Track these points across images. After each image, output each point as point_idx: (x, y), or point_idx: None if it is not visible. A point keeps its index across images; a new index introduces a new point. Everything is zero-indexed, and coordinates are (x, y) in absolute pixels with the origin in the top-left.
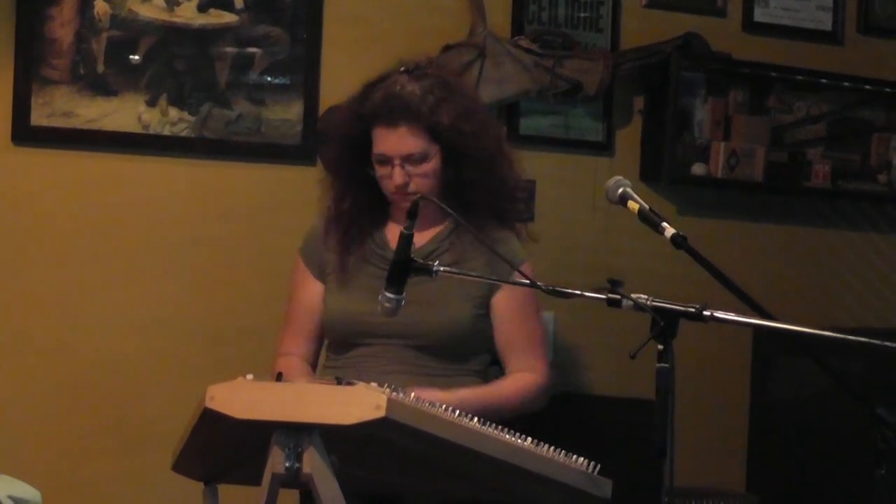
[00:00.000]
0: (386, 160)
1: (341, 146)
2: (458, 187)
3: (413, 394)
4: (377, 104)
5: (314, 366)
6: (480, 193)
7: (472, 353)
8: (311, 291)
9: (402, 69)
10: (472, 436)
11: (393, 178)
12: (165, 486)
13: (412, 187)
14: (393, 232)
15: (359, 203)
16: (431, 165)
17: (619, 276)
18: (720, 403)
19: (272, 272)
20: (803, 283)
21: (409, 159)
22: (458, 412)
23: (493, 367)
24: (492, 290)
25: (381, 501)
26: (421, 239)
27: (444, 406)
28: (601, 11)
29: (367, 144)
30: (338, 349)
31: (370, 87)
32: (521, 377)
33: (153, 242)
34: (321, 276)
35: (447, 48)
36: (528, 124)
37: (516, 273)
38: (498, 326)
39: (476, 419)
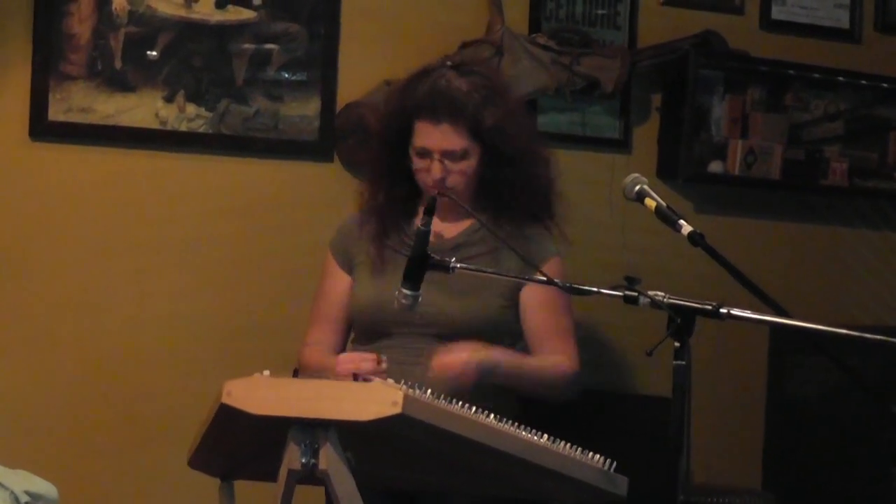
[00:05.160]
0: (426, 153)
1: (382, 135)
2: (493, 186)
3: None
4: (422, 97)
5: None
6: (516, 193)
7: (498, 345)
8: (337, 283)
9: (448, 63)
10: (488, 432)
11: (431, 172)
12: (181, 481)
13: (449, 182)
14: None
15: (393, 195)
16: (470, 163)
17: (636, 273)
18: (736, 401)
19: (288, 268)
20: (820, 280)
21: (449, 155)
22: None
23: None
24: (521, 282)
25: (397, 497)
26: (453, 230)
27: (460, 402)
28: (619, 8)
29: (406, 136)
30: (363, 339)
31: (415, 79)
32: (555, 357)
33: (170, 238)
34: (348, 268)
35: (465, 45)
36: (545, 121)
37: (543, 267)
38: (527, 318)
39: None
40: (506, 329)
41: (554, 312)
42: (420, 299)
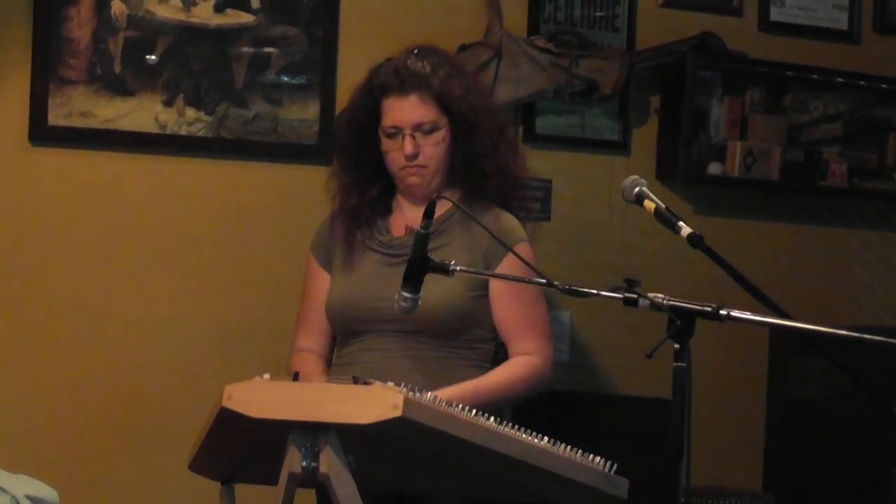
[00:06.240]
0: (396, 131)
1: (350, 125)
2: (465, 164)
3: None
4: (388, 76)
5: (329, 360)
6: (487, 171)
7: (475, 339)
8: (321, 284)
9: (409, 51)
10: (489, 435)
11: (403, 148)
12: (182, 485)
13: (421, 159)
14: (397, 219)
15: (365, 195)
16: (441, 135)
17: (636, 275)
18: (737, 402)
19: (288, 271)
20: (819, 282)
21: (419, 128)
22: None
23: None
24: (490, 270)
25: (397, 501)
26: None
27: (459, 405)
28: (617, 11)
29: (375, 123)
30: (343, 341)
31: (378, 67)
32: (518, 363)
33: (170, 242)
34: (328, 267)
35: (463, 48)
36: (544, 124)
37: (529, 271)
38: (496, 308)
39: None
40: (480, 320)
41: (521, 302)
42: (420, 302)
